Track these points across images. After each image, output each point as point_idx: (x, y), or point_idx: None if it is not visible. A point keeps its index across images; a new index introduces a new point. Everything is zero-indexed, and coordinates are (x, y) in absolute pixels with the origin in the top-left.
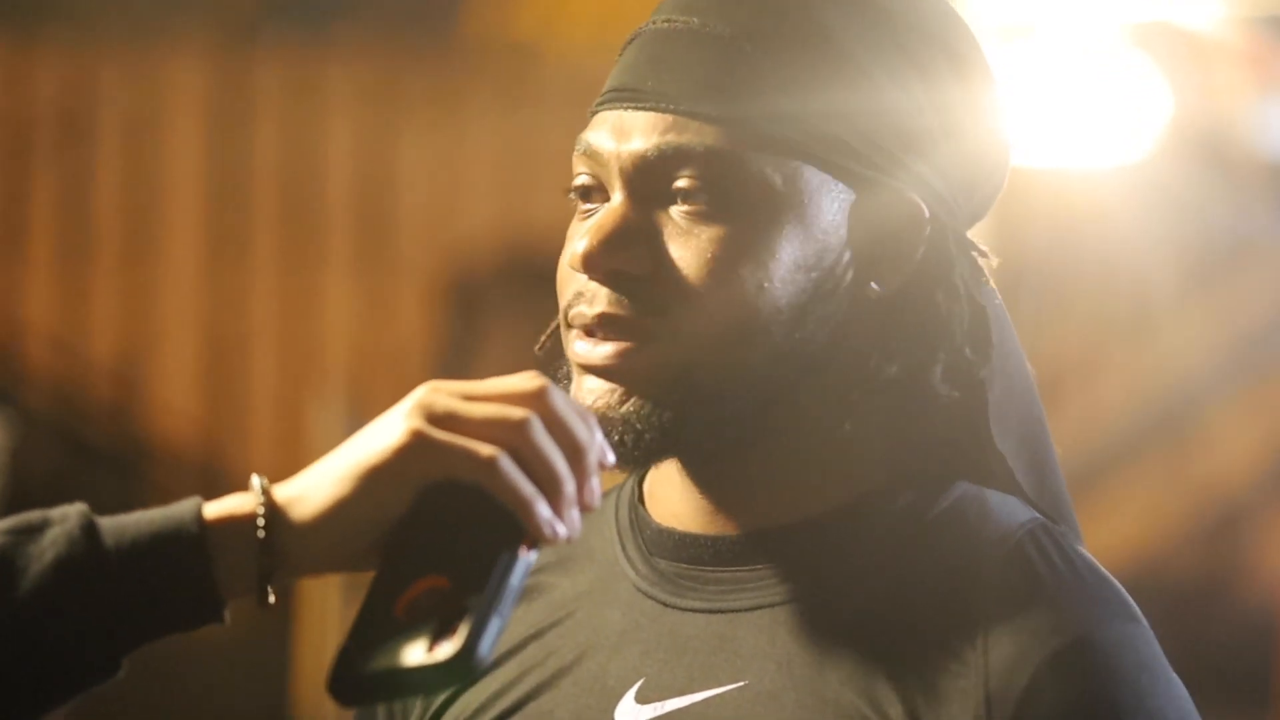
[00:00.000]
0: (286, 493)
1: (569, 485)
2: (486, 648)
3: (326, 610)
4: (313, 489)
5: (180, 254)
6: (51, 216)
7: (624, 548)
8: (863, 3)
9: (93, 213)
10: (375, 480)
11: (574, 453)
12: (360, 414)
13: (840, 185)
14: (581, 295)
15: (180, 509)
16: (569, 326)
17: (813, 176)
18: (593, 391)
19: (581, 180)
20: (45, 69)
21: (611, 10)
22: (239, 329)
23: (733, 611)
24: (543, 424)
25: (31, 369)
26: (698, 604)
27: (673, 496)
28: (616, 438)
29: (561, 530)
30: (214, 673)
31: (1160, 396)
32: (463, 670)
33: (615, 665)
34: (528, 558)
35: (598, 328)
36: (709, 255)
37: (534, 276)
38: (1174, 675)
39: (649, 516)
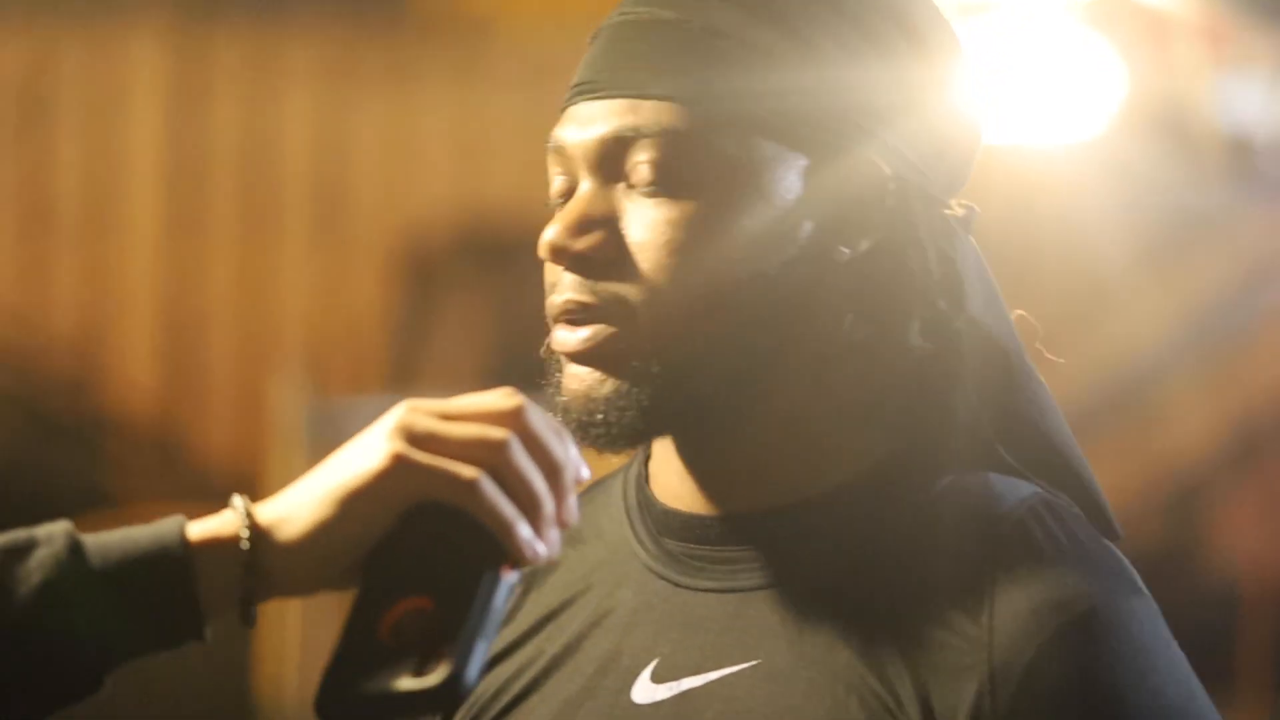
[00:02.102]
0: (269, 514)
1: (548, 505)
2: (474, 674)
3: (286, 604)
4: (295, 511)
5: (140, 230)
6: (12, 193)
7: (633, 527)
8: None
9: (53, 189)
10: (358, 502)
11: (552, 472)
12: (318, 388)
13: (797, 154)
14: (554, 285)
15: (165, 530)
16: (553, 320)
17: (768, 148)
18: (576, 376)
19: (557, 181)
20: (4, 46)
21: None
22: (198, 304)
23: (743, 590)
24: (521, 444)
25: None
26: (708, 583)
27: (673, 478)
28: (600, 417)
29: (542, 550)
30: (175, 663)
31: (1118, 371)
32: (451, 696)
33: (629, 645)
34: (510, 579)
35: (571, 315)
36: (669, 234)
37: (489, 251)
38: (1176, 648)
39: (654, 497)
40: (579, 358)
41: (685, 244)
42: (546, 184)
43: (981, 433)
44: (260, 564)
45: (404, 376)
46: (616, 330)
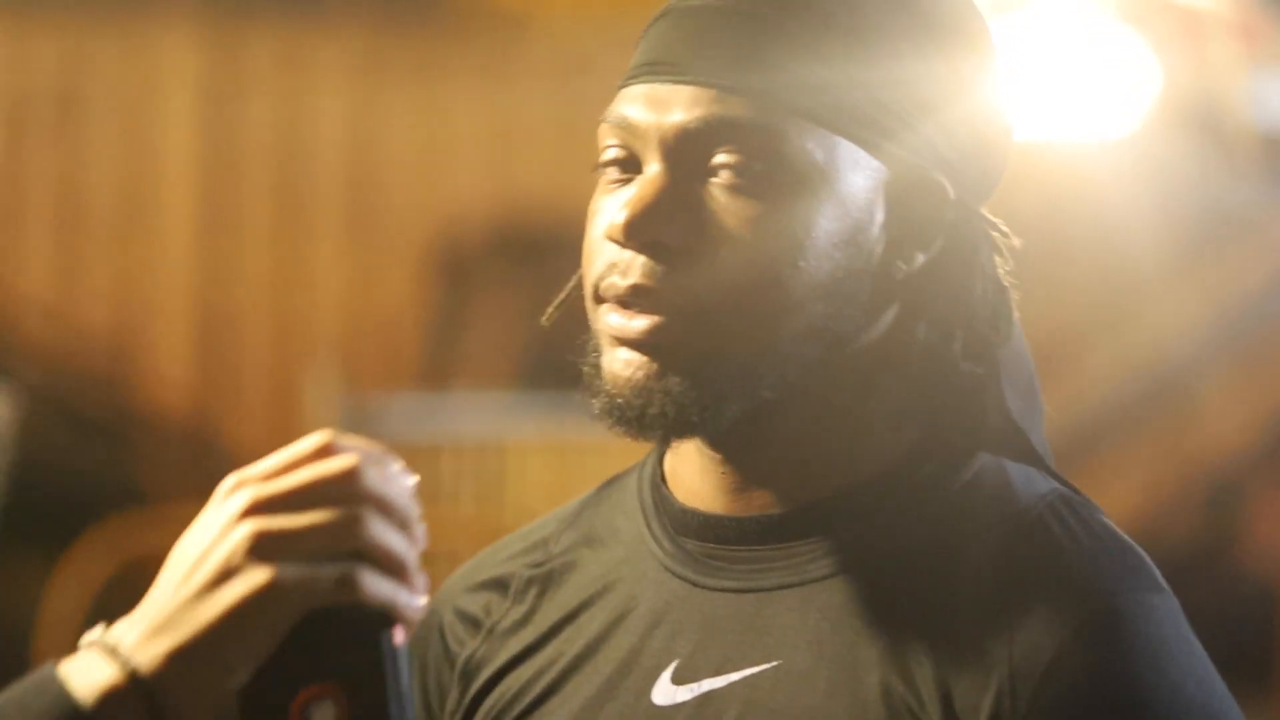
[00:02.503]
0: (151, 658)
1: (413, 558)
2: None
3: None
4: (182, 654)
5: (174, 227)
6: (47, 191)
7: (649, 528)
8: None
9: (87, 187)
10: (243, 639)
11: (404, 522)
12: (352, 384)
13: (875, 163)
14: (615, 266)
15: (51, 695)
16: (599, 299)
17: (848, 152)
18: (630, 363)
19: (612, 153)
20: (40, 45)
21: None
22: (232, 301)
23: (762, 591)
24: (374, 510)
25: (28, 342)
26: (727, 584)
27: (694, 477)
28: (656, 410)
29: (420, 602)
30: None
31: (1152, 369)
32: None
33: (649, 645)
34: (402, 644)
35: (632, 299)
36: (747, 232)
37: (522, 246)
38: (1197, 645)
39: (672, 496)
40: (638, 345)
41: (762, 245)
42: (579, 180)
43: (1010, 425)
44: (162, 712)
45: (437, 372)
46: (681, 323)
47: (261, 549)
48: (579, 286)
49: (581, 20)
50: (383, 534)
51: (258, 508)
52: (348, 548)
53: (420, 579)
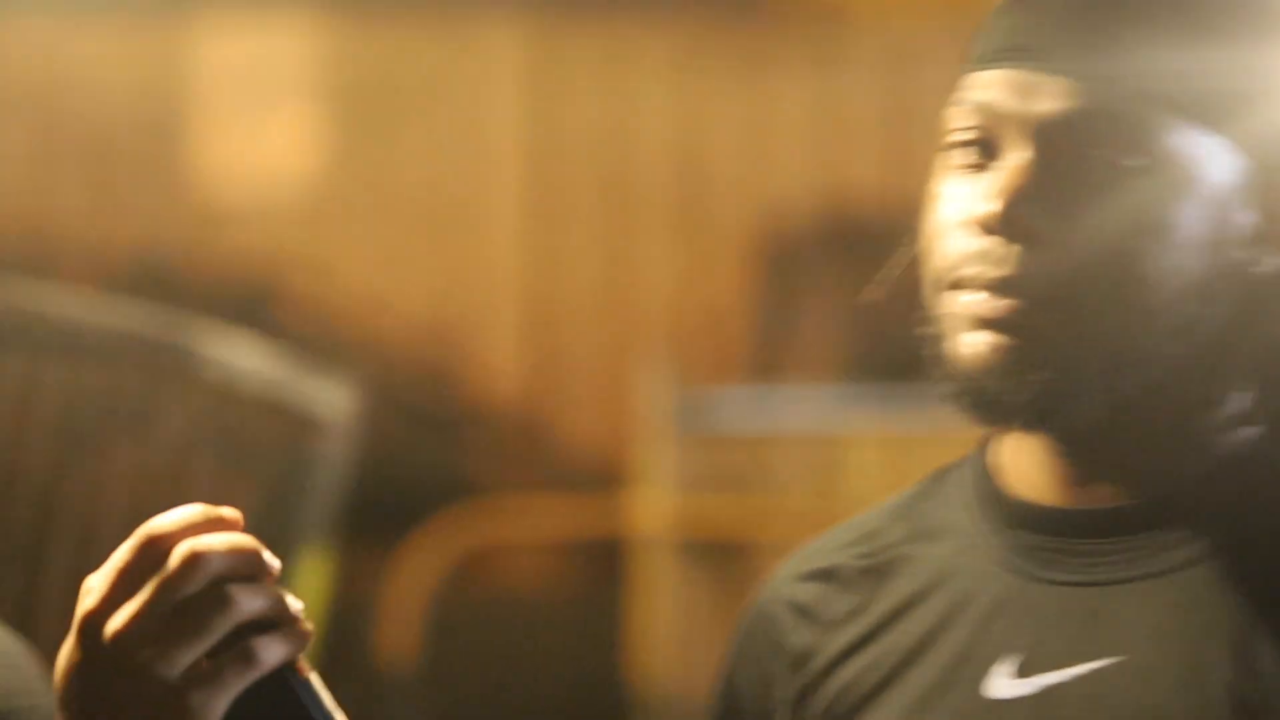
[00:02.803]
0: None
1: (282, 598)
2: None
3: (658, 572)
4: None
5: (501, 220)
6: (376, 185)
7: (982, 521)
8: None
9: (416, 181)
10: None
11: (259, 571)
12: (682, 376)
13: (1238, 159)
14: (980, 255)
15: None
16: (954, 286)
17: (1215, 148)
18: (993, 345)
19: (968, 134)
20: (368, 42)
21: None
22: (561, 293)
23: (1103, 584)
24: (234, 587)
25: (360, 336)
26: (1065, 577)
27: (1030, 469)
28: (1017, 397)
29: (309, 627)
30: (548, 636)
31: None
32: None
33: (986, 639)
34: (308, 673)
35: (1000, 287)
36: (1119, 228)
37: (850, 236)
38: None
39: (1002, 489)
40: (1002, 327)
41: (1134, 243)
42: (906, 169)
43: None
44: None
45: (768, 364)
46: (1049, 311)
47: (161, 679)
48: (912, 267)
49: (907, 9)
50: (251, 599)
51: (132, 638)
52: (232, 627)
53: (296, 605)
